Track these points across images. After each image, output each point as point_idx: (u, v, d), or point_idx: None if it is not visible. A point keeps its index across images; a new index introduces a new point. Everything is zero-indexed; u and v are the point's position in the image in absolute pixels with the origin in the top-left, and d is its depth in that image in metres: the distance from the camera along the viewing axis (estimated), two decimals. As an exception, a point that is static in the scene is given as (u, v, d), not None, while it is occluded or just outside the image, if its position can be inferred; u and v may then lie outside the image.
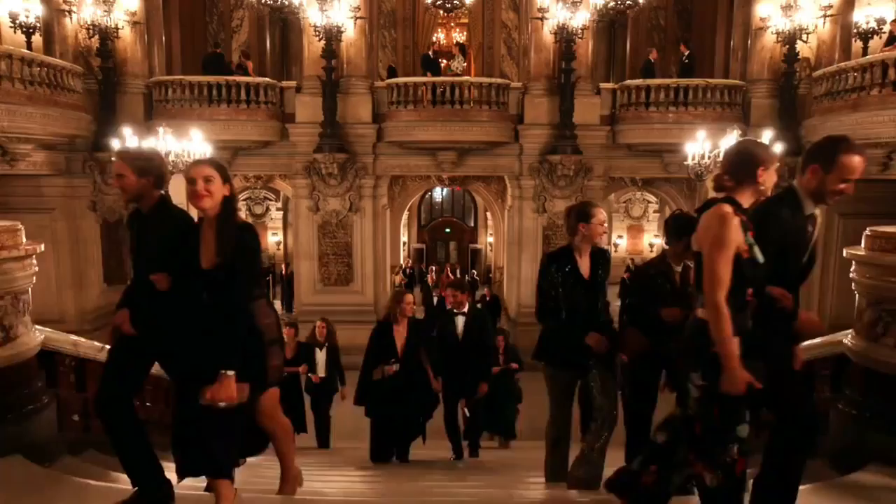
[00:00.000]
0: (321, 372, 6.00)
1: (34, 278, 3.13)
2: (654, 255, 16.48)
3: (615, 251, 17.23)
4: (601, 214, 3.04)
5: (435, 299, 12.72)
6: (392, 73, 11.79)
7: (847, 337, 3.03)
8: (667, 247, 3.16)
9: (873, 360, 2.81)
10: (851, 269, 3.01)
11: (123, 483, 2.92)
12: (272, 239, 18.71)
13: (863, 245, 2.92)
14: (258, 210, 18.62)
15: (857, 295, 3.01)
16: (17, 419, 2.86)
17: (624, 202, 18.12)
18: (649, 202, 17.76)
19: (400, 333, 4.44)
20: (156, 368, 2.51)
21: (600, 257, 3.09)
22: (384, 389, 4.40)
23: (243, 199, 18.10)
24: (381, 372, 4.36)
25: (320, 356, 6.00)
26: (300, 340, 6.22)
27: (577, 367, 3.00)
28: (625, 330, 3.13)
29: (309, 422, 6.18)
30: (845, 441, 2.83)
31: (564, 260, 3.03)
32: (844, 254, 3.03)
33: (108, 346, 4.13)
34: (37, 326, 3.25)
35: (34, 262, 3.12)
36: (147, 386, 4.13)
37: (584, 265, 3.04)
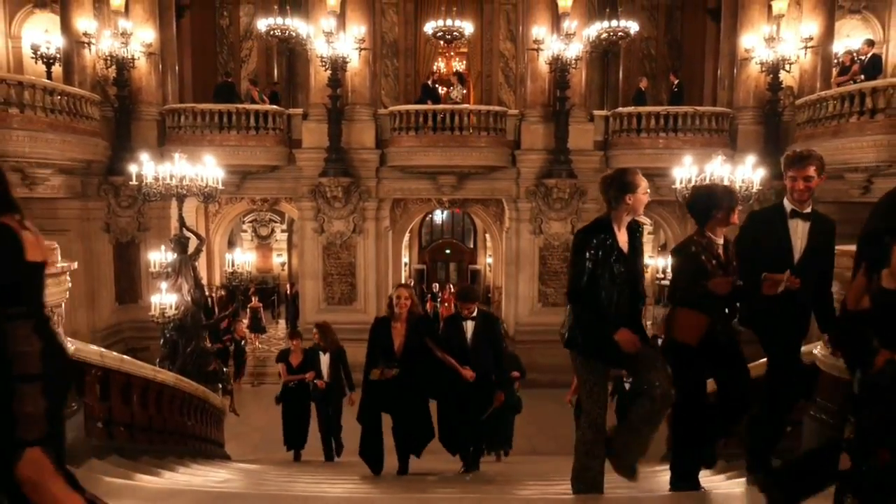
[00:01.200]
0: (327, 377, 5.89)
1: (67, 293, 3.42)
2: (648, 274, 16.81)
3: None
4: (644, 181, 2.73)
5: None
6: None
7: (817, 348, 3.27)
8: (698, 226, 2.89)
9: (840, 369, 3.04)
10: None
11: (147, 483, 3.16)
12: (277, 260, 19.01)
13: (832, 262, 3.18)
14: (264, 232, 18.91)
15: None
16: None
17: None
18: (643, 224, 18.08)
19: (398, 332, 4.09)
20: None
21: (636, 230, 2.83)
22: (376, 392, 4.11)
23: (249, 221, 18.48)
24: (380, 373, 4.06)
25: (324, 360, 5.88)
26: (303, 346, 6.28)
27: (610, 358, 2.71)
28: (674, 313, 2.84)
29: (313, 431, 6.26)
30: (818, 445, 3.04)
31: (603, 233, 2.69)
32: None
33: (126, 357, 4.34)
34: (67, 338, 3.52)
35: (68, 278, 3.41)
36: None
37: (623, 239, 2.74)
